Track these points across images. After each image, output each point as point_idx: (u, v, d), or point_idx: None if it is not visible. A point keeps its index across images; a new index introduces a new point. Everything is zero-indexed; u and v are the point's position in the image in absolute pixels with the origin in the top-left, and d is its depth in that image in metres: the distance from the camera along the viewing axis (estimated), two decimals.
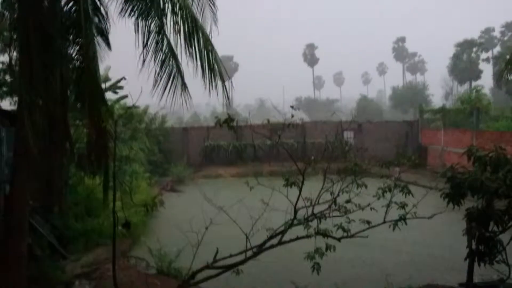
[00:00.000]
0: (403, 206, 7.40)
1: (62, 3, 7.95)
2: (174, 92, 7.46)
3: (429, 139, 30.29)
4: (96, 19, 8.29)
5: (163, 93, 7.44)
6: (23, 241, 7.49)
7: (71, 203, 13.10)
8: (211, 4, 8.08)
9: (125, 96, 18.12)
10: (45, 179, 9.22)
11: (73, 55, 8.24)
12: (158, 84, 7.44)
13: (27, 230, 7.76)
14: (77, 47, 8.06)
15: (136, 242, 13.29)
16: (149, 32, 7.50)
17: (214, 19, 8.07)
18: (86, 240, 11.99)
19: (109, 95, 17.92)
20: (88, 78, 7.49)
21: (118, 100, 18.57)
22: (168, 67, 7.50)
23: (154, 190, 20.50)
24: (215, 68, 7.34)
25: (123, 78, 17.35)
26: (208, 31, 7.65)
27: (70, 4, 7.88)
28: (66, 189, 12.62)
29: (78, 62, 8.15)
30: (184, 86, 7.52)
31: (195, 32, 7.24)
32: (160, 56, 7.51)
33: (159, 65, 7.49)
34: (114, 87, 17.94)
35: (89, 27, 7.52)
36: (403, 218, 7.37)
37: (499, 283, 7.69)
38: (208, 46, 7.33)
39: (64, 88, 8.30)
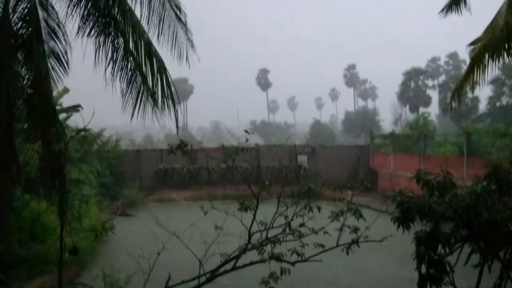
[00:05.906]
0: (355, 230, 7.52)
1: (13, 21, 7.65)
2: (144, 110, 7.27)
3: (379, 163, 31.10)
4: (51, 43, 7.90)
5: (133, 111, 7.23)
6: None
7: (14, 228, 12.45)
8: (185, 29, 7.64)
9: (77, 110, 17.30)
10: None
11: (23, 74, 7.91)
12: (126, 102, 7.23)
13: None
14: (27, 67, 7.76)
15: (85, 269, 12.77)
16: (115, 50, 7.17)
17: (191, 44, 7.67)
18: (30, 267, 11.40)
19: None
20: (40, 98, 7.24)
21: (66, 118, 18.01)
22: (135, 85, 7.28)
23: (105, 215, 19.88)
24: (167, 92, 7.21)
25: (79, 105, 16.80)
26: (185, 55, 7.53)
27: (20, 24, 7.59)
28: (9, 213, 11.99)
29: (29, 81, 7.79)
30: (154, 102, 7.27)
31: (147, 57, 7.11)
32: (127, 73, 7.26)
33: (126, 82, 7.25)
34: (69, 110, 17.35)
35: (41, 47, 7.30)
36: (355, 242, 7.49)
37: None
38: (161, 70, 7.20)
39: (11, 106, 7.89)
